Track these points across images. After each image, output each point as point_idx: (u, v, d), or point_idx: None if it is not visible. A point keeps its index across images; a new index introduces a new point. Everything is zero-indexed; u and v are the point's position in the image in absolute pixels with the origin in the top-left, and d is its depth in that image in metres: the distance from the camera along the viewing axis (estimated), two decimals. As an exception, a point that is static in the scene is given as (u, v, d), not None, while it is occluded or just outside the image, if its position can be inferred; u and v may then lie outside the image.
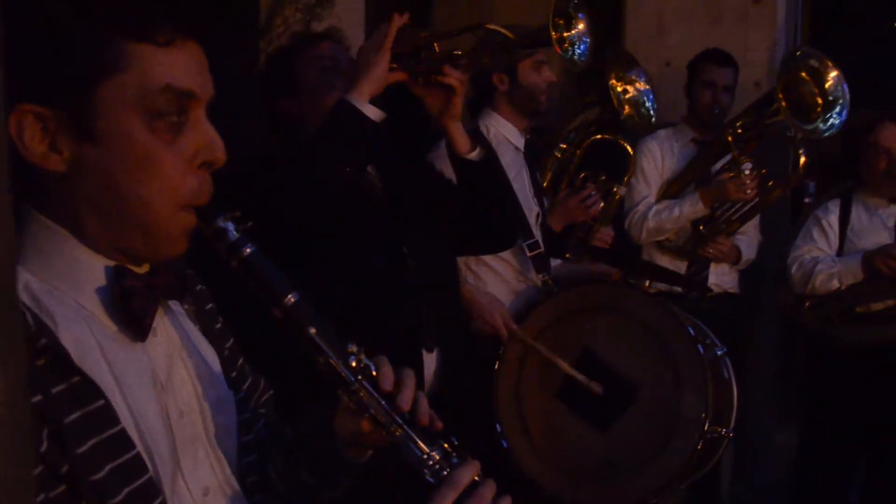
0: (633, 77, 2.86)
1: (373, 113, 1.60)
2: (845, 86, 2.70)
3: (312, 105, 1.74)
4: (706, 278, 3.10)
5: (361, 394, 0.91)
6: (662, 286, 2.98)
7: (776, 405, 4.47)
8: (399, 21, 1.63)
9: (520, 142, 2.47)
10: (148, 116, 0.81)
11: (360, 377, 0.91)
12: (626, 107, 2.78)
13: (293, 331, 0.91)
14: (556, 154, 2.80)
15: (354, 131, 1.60)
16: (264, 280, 0.90)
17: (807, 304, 2.99)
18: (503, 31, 1.68)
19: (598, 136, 2.82)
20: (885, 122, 2.89)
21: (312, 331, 0.91)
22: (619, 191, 2.87)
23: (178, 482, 0.87)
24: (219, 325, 1.03)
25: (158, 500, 0.82)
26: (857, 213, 3.00)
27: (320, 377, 0.93)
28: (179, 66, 0.83)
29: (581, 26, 1.72)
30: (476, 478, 0.92)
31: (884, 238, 2.92)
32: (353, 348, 0.92)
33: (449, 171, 1.84)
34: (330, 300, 1.56)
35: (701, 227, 3.01)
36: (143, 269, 0.88)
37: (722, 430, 2.12)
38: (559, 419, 2.07)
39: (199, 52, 0.86)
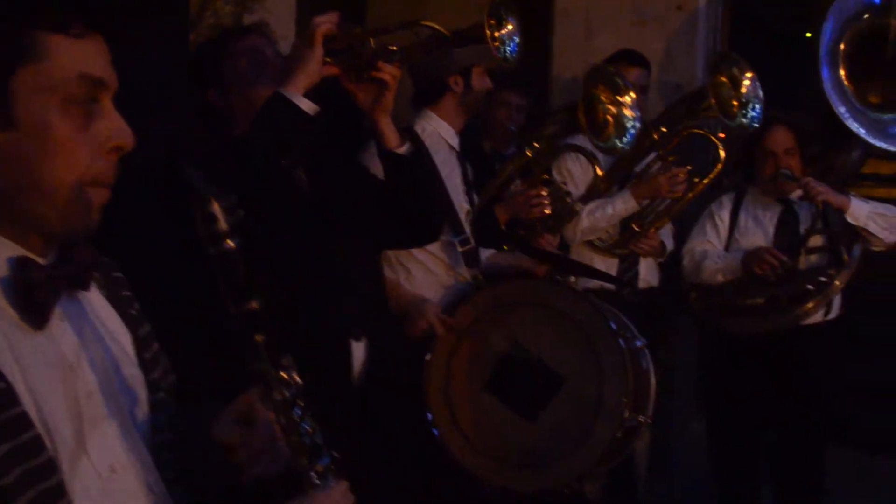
0: (626, 101, 2.86)
1: (307, 106, 1.63)
2: (758, 84, 2.86)
3: (240, 98, 1.76)
4: (637, 274, 3.21)
5: (279, 401, 0.98)
6: (594, 284, 3.07)
7: (692, 393, 4.67)
8: (333, 16, 1.66)
9: (454, 141, 2.54)
10: (63, 103, 0.87)
11: (285, 391, 0.98)
12: (610, 125, 2.81)
13: (240, 331, 0.95)
14: (528, 152, 2.86)
15: (289, 125, 1.62)
16: (235, 278, 0.93)
17: (693, 294, 3.18)
18: (438, 28, 1.73)
19: (570, 144, 2.92)
20: (773, 126, 3.04)
21: (259, 338, 0.96)
22: (577, 206, 2.95)
23: (82, 461, 0.90)
24: (134, 311, 1.07)
25: (54, 479, 0.86)
26: (746, 211, 3.19)
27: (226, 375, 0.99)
28: (91, 56, 0.90)
29: (510, 27, 1.79)
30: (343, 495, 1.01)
31: (761, 238, 3.10)
32: (286, 361, 0.99)
33: (379, 169, 1.89)
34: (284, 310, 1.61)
35: (634, 225, 3.09)
36: (46, 260, 0.92)
37: (640, 418, 2.24)
38: (488, 409, 2.15)
39: (104, 45, 0.93)
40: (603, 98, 2.74)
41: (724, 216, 3.20)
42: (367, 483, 1.10)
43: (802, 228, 3.07)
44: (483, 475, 2.19)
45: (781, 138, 3.05)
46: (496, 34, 1.75)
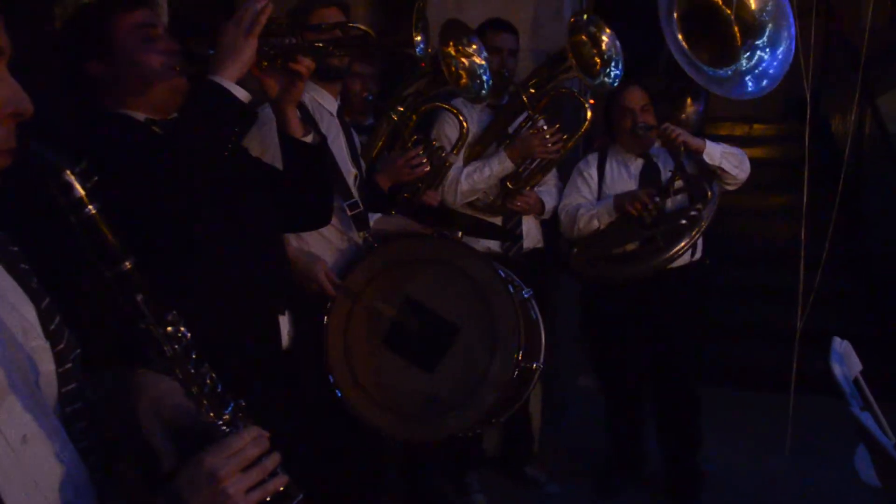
0: (471, 50, 2.96)
1: (242, 95, 1.63)
2: (618, 44, 3.02)
3: (131, 71, 1.73)
4: (520, 233, 3.33)
5: (171, 356, 1.02)
6: (481, 246, 3.18)
7: (579, 349, 4.87)
8: (268, 7, 1.66)
9: (333, 107, 2.56)
10: None
11: (174, 345, 1.02)
12: (463, 76, 2.89)
13: (120, 294, 0.97)
14: (393, 117, 2.88)
15: (227, 113, 1.61)
16: (103, 242, 0.95)
17: (574, 249, 3.36)
18: (365, 29, 1.77)
19: (433, 103, 2.94)
20: (630, 86, 3.29)
21: (140, 298, 0.98)
22: (450, 157, 3.02)
23: None
24: (34, 284, 1.07)
25: None
26: (611, 166, 3.40)
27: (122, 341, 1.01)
28: None
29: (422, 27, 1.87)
30: (255, 441, 1.04)
31: (630, 186, 3.32)
32: (172, 318, 1.02)
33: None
34: (182, 276, 1.61)
35: (508, 183, 3.20)
36: None
37: (533, 364, 2.34)
38: (388, 365, 2.20)
39: None
40: (453, 52, 2.82)
41: (592, 172, 3.41)
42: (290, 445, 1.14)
43: (663, 178, 3.29)
44: (388, 430, 2.25)
45: (637, 96, 3.29)
46: (417, 38, 1.82)
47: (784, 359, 3.65)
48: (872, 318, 5.17)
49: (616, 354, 3.55)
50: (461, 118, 3.01)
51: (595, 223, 3.31)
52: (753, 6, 3.21)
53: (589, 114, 3.17)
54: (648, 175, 3.33)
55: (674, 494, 3.56)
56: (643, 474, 3.70)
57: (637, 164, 3.36)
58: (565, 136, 3.14)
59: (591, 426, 3.91)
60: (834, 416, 2.61)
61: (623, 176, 3.37)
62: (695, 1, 3.23)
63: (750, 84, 3.22)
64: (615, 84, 3.13)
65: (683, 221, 3.20)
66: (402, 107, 2.83)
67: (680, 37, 3.17)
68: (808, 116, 3.57)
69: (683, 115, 3.64)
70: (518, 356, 2.13)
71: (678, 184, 3.23)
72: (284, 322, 1.88)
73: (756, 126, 6.82)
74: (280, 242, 2.01)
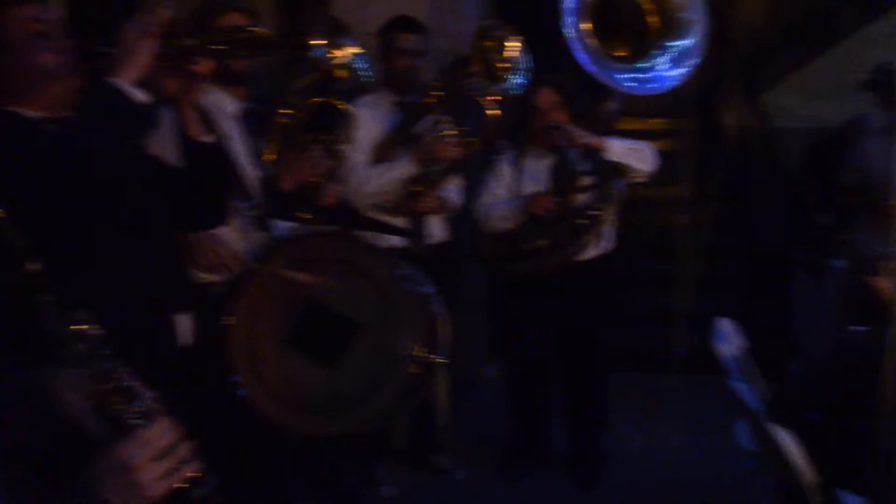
0: (343, 42, 3.01)
1: (138, 96, 1.63)
2: (523, 51, 3.09)
3: (20, 67, 1.71)
4: (424, 230, 3.39)
5: (82, 353, 1.05)
6: (383, 243, 3.22)
7: (485, 340, 4.99)
8: (167, 9, 1.66)
9: (234, 107, 2.57)
10: None
11: (84, 342, 1.05)
12: (341, 70, 2.93)
13: (26, 296, 1.00)
14: (282, 118, 2.89)
15: (122, 114, 1.61)
16: (7, 243, 0.98)
17: (486, 244, 3.49)
18: (265, 32, 1.80)
19: (318, 100, 2.95)
20: (540, 87, 3.41)
21: (46, 298, 1.01)
22: (351, 156, 3.06)
23: None
24: None
25: None
26: (525, 164, 3.52)
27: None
28: None
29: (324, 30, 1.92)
30: (166, 431, 1.08)
31: (539, 185, 3.46)
32: (80, 316, 1.04)
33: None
34: (79, 276, 1.61)
35: (415, 185, 3.25)
36: None
37: (435, 358, 2.42)
38: (292, 363, 2.24)
39: None
40: (329, 50, 2.86)
41: (506, 170, 3.53)
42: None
43: (573, 175, 3.42)
44: (293, 426, 2.29)
45: (547, 97, 3.41)
46: (317, 42, 1.86)
47: (683, 341, 3.86)
48: (756, 301, 5.48)
49: (525, 343, 3.69)
50: (358, 116, 3.05)
51: (505, 224, 3.44)
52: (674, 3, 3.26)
53: (493, 115, 3.24)
54: (559, 172, 3.46)
55: (577, 475, 3.72)
56: (548, 457, 3.85)
57: (548, 161, 3.49)
58: (470, 138, 3.22)
59: (497, 414, 4.03)
60: (725, 392, 2.78)
61: (535, 174, 3.50)
62: None
63: (656, 80, 3.28)
64: (516, 91, 3.20)
65: (584, 221, 3.34)
66: (286, 108, 2.85)
67: (588, 32, 3.21)
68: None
69: (599, 112, 3.74)
70: (419, 350, 2.20)
71: (585, 181, 3.37)
72: (186, 321, 1.89)
73: (650, 121, 7.09)
74: (176, 241, 2.02)
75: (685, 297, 3.83)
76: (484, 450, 3.98)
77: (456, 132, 3.16)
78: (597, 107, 3.68)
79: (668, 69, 3.26)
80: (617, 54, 3.31)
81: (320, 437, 2.43)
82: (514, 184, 3.53)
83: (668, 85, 3.25)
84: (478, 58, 3.02)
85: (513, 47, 3.07)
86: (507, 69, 3.06)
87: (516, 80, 3.09)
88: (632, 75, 3.27)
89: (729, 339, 3.00)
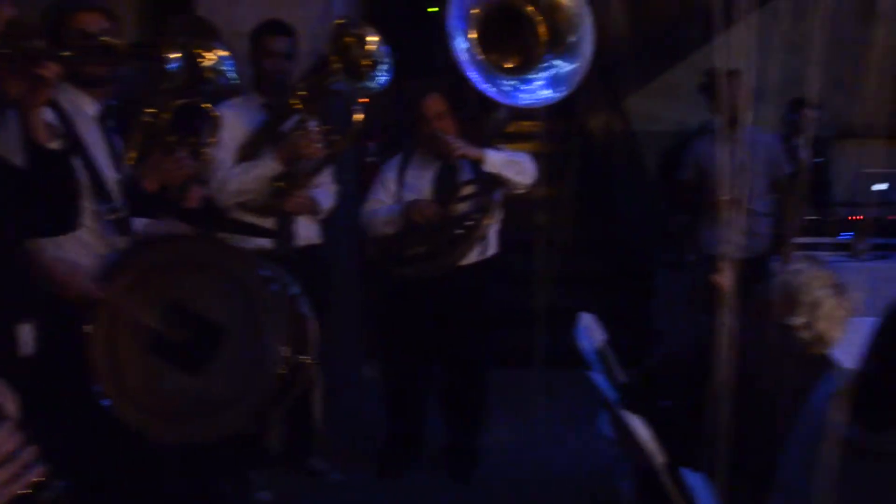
0: (211, 44, 2.97)
1: None
2: (385, 48, 3.12)
3: None
4: (292, 232, 3.38)
5: None
6: (254, 245, 3.20)
7: (362, 340, 5.01)
8: (7, 8, 1.60)
9: (94, 108, 2.50)
10: None
11: None
12: (208, 72, 2.89)
13: None
14: (146, 119, 2.83)
15: None
16: None
17: (371, 248, 3.53)
18: (113, 42, 1.75)
19: (183, 101, 2.91)
20: (428, 94, 3.47)
21: None
22: (216, 157, 3.01)
23: None
24: None
25: None
26: (411, 170, 3.58)
27: None
28: None
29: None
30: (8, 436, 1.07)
31: (423, 192, 3.52)
32: None
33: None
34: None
35: (280, 184, 3.24)
36: None
37: (304, 359, 2.43)
38: (155, 370, 2.20)
39: None
40: (197, 48, 2.85)
41: (392, 176, 3.58)
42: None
43: (457, 183, 3.50)
44: (160, 434, 2.25)
45: (433, 104, 3.48)
46: (172, 55, 1.84)
47: (548, 337, 3.99)
48: (622, 295, 5.74)
49: (405, 344, 3.74)
50: (225, 117, 3.02)
51: (387, 229, 3.48)
52: (563, 16, 3.31)
53: (358, 116, 3.28)
54: (443, 180, 3.53)
55: (452, 471, 3.80)
56: (424, 454, 3.91)
57: (434, 168, 3.54)
58: (335, 137, 3.24)
59: (374, 414, 4.07)
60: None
61: (420, 181, 3.55)
62: (500, 6, 3.33)
63: (540, 92, 3.33)
64: (380, 88, 3.24)
65: (460, 231, 3.43)
66: (152, 108, 2.80)
67: (473, 41, 3.24)
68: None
69: (488, 120, 3.80)
70: (286, 351, 2.21)
71: (467, 190, 3.45)
72: (28, 330, 1.84)
73: (521, 123, 7.29)
74: (21, 248, 1.96)
75: (549, 293, 3.97)
76: (360, 450, 3.99)
77: (320, 130, 3.16)
78: (487, 115, 3.77)
79: (552, 83, 3.34)
80: (506, 65, 3.37)
81: (187, 443, 2.38)
82: (399, 189, 3.57)
83: (552, 98, 3.33)
84: (337, 56, 3.04)
85: (372, 44, 3.09)
86: (368, 66, 3.09)
87: (380, 77, 3.12)
88: (516, 87, 3.34)
89: (590, 333, 3.15)
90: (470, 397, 3.81)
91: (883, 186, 5.24)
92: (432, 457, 3.89)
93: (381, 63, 3.11)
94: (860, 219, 5.16)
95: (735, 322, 2.35)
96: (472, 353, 3.74)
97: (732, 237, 4.06)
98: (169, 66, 1.89)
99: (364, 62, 3.08)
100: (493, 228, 3.63)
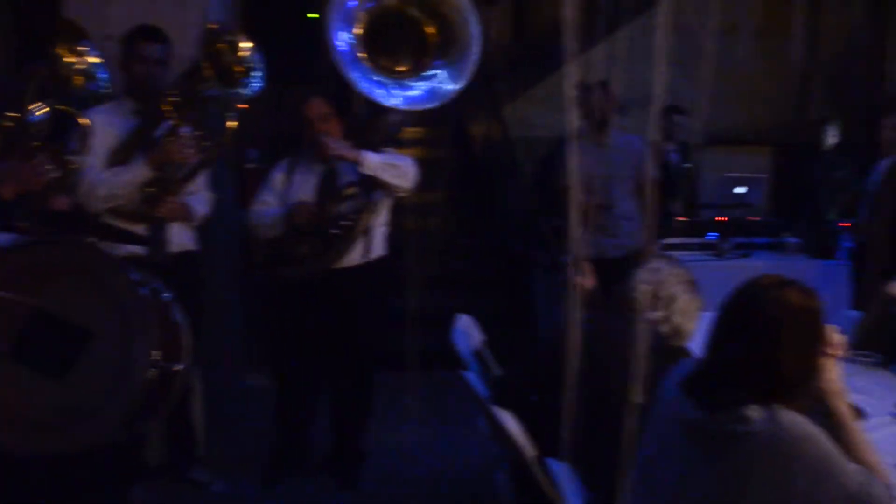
0: (83, 49, 2.90)
1: None
2: (258, 55, 3.11)
3: None
4: (165, 238, 3.31)
5: None
6: (126, 252, 3.12)
7: (246, 348, 4.96)
8: None
9: None
10: None
11: None
12: (78, 78, 2.82)
13: None
14: (7, 123, 2.73)
15: None
16: None
17: (257, 250, 3.53)
18: None
19: (50, 108, 2.82)
20: (311, 98, 3.50)
21: None
22: (75, 161, 2.92)
23: None
24: None
25: None
26: (297, 172, 3.59)
27: None
28: None
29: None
30: None
31: (307, 194, 3.54)
32: None
33: None
34: None
35: (151, 189, 3.17)
36: None
37: (176, 367, 2.40)
38: (16, 378, 2.14)
39: None
40: (68, 55, 2.79)
41: (279, 178, 3.57)
42: None
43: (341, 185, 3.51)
44: (22, 446, 2.18)
45: (317, 107, 3.49)
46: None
47: (440, 339, 4.06)
48: (503, 297, 5.89)
49: (291, 349, 3.73)
50: (94, 123, 2.95)
51: (272, 232, 3.47)
52: (450, 22, 3.30)
53: (231, 123, 3.25)
54: (328, 181, 3.54)
55: (338, 476, 3.81)
56: (309, 460, 3.90)
57: (319, 170, 3.55)
58: (207, 143, 3.21)
59: (260, 422, 4.03)
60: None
61: (305, 183, 3.55)
62: (383, 10, 3.33)
63: (419, 97, 3.33)
64: (254, 93, 3.23)
65: (336, 231, 3.45)
66: (13, 113, 2.71)
67: (357, 45, 3.23)
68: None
69: (380, 124, 3.82)
70: (156, 358, 2.18)
71: (349, 191, 3.47)
72: None
73: (407, 129, 7.38)
74: None
75: (429, 296, 4.05)
76: (244, 460, 3.95)
77: (192, 136, 3.14)
78: (378, 118, 3.80)
79: (437, 86, 3.36)
80: (395, 68, 3.38)
81: (53, 455, 2.31)
82: (286, 192, 3.58)
83: (425, 106, 3.37)
84: (209, 62, 3.02)
85: (245, 50, 3.08)
86: (241, 73, 3.08)
87: (253, 83, 3.11)
88: (400, 90, 3.36)
89: (467, 334, 3.24)
90: (355, 401, 3.83)
91: (743, 190, 5.59)
92: (319, 463, 3.88)
93: (254, 69, 3.10)
94: (724, 220, 5.49)
95: (603, 318, 2.49)
96: (357, 356, 3.77)
97: (602, 240, 4.27)
98: (32, 69, 1.83)
99: (237, 68, 3.07)
100: (379, 231, 3.66)
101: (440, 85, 3.39)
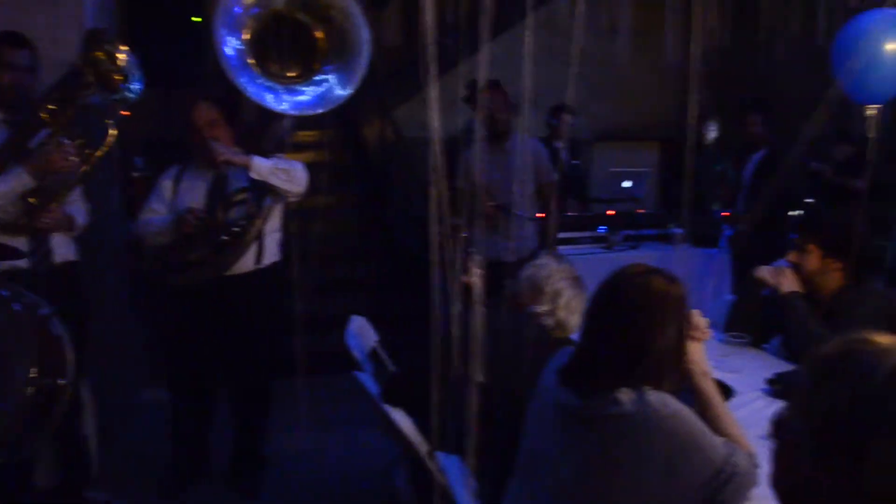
0: None
1: None
2: (133, 59, 3.04)
3: None
4: (49, 250, 3.21)
5: None
6: (5, 265, 3.01)
7: (142, 362, 4.84)
8: None
9: None
10: None
11: None
12: None
13: None
14: None
15: None
16: None
17: (148, 257, 3.46)
18: None
19: None
20: (196, 102, 3.45)
21: None
22: None
23: None
24: None
25: None
26: (186, 180, 3.53)
27: None
28: None
29: None
30: None
31: (196, 201, 3.47)
32: None
33: None
34: None
35: (31, 199, 3.07)
36: None
37: (58, 381, 2.33)
38: None
39: None
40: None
41: (168, 186, 3.50)
42: None
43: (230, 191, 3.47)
44: None
45: (203, 113, 3.43)
46: None
47: (335, 341, 4.06)
48: (400, 298, 5.93)
49: (187, 359, 3.66)
50: None
51: (160, 239, 3.40)
52: (339, 28, 3.25)
53: (113, 131, 3.17)
54: (217, 188, 3.48)
55: (238, 485, 3.77)
56: (209, 470, 3.85)
57: (208, 177, 3.49)
58: (88, 151, 3.13)
59: (156, 435, 3.94)
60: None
61: (194, 190, 3.48)
62: (275, 17, 3.26)
63: (303, 103, 3.22)
64: (136, 97, 3.17)
65: (226, 237, 3.41)
66: None
67: (243, 50, 3.16)
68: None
69: (271, 129, 3.77)
70: (33, 375, 2.12)
71: (239, 197, 3.42)
72: None
73: (301, 133, 7.35)
74: None
75: (325, 300, 4.06)
76: (141, 476, 3.86)
77: (72, 144, 3.05)
78: (269, 123, 3.76)
79: (327, 91, 3.27)
80: (285, 73, 3.36)
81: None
82: (174, 199, 3.51)
83: (323, 107, 3.34)
84: (89, 68, 2.95)
85: (122, 56, 3.02)
86: (120, 79, 3.02)
87: (131, 89, 3.05)
88: (289, 95, 3.35)
89: (361, 335, 3.26)
90: (253, 408, 3.80)
91: (629, 184, 5.81)
92: (219, 472, 3.84)
93: (132, 75, 3.04)
94: (612, 214, 5.68)
95: (490, 314, 2.56)
96: (253, 363, 3.74)
97: (499, 242, 4.34)
98: None
99: (116, 76, 3.00)
100: (273, 237, 3.64)
101: (330, 90, 3.39)
